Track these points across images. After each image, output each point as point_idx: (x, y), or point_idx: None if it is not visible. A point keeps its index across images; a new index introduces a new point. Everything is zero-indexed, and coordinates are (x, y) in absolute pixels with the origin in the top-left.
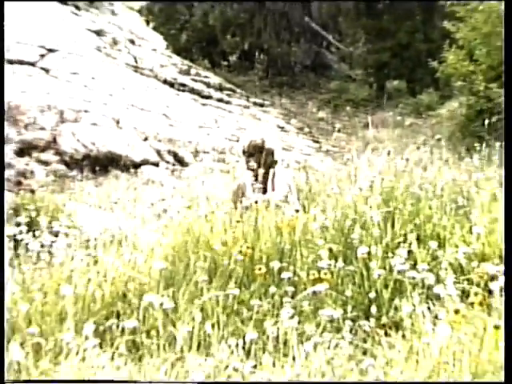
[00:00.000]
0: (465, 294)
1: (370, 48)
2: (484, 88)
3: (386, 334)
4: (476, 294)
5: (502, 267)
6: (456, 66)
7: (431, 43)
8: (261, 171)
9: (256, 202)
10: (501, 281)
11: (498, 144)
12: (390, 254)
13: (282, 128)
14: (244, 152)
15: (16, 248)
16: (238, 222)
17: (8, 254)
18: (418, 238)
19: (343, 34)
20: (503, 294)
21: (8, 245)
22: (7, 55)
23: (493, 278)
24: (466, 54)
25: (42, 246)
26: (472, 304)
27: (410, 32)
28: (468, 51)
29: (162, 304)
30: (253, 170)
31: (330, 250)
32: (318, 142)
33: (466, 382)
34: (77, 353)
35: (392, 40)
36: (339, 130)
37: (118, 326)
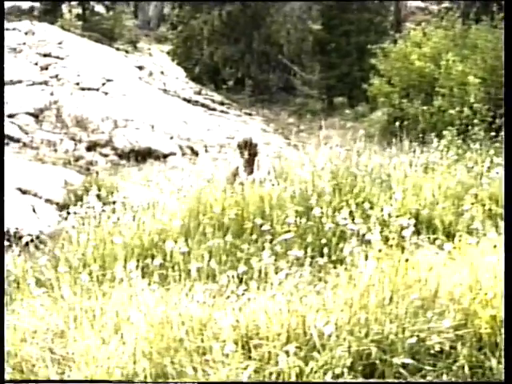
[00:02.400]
0: (386, 239)
1: (322, 75)
2: (398, 102)
3: (335, 267)
4: (393, 238)
5: (412, 220)
6: (379, 88)
7: (363, 72)
8: (249, 158)
9: (246, 180)
10: (410, 230)
11: (407, 140)
12: (336, 213)
13: (264, 130)
14: (238, 146)
15: (86, 212)
16: (232, 193)
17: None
18: (356, 202)
19: (305, 66)
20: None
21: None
22: (82, 84)
23: (404, 228)
24: (386, 79)
25: (104, 211)
26: (391, 246)
27: (349, 65)
28: (387, 78)
29: (180, 248)
30: (244, 158)
31: (296, 211)
32: (288, 139)
33: (466, 381)
34: (123, 280)
35: (337, 70)
36: (302, 131)
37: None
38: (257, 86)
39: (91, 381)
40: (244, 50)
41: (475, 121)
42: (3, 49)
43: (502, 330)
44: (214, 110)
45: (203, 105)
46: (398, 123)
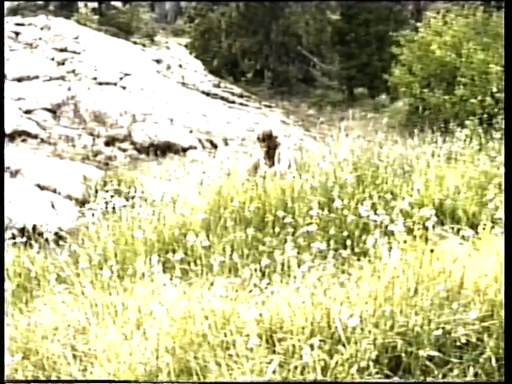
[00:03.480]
0: (410, 230)
1: (342, 66)
2: (419, 92)
3: (358, 260)
4: (418, 229)
5: (433, 211)
6: (400, 78)
7: (384, 62)
8: (270, 150)
9: (267, 172)
10: (433, 220)
11: (429, 130)
12: (359, 205)
13: (284, 122)
14: (258, 138)
15: (106, 207)
16: (253, 186)
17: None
18: (378, 193)
19: (324, 56)
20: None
21: (100, 206)
22: (99, 79)
23: (428, 218)
24: (407, 69)
25: (124, 206)
26: (415, 237)
27: (369, 55)
28: (408, 67)
29: (201, 242)
30: (264, 150)
31: (319, 202)
32: (308, 130)
33: (466, 381)
34: (145, 275)
35: (357, 61)
36: (322, 123)
37: (173, 258)
38: (276, 77)
39: (91, 381)
40: (262, 41)
41: (497, 110)
42: (3, 49)
43: None
44: (233, 102)
45: (222, 98)
46: (419, 113)
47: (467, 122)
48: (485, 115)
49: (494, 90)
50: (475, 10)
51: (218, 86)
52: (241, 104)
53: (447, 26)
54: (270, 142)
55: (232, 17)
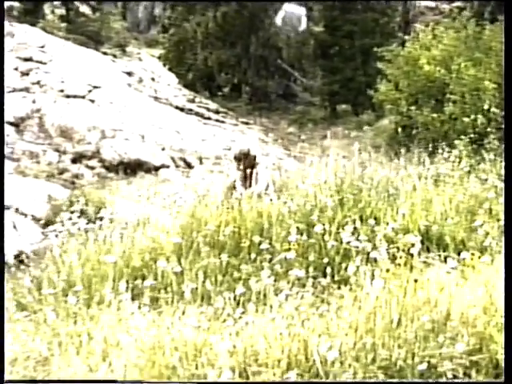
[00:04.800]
0: (394, 257)
1: (325, 81)
2: (406, 110)
3: (339, 288)
4: (401, 257)
5: (419, 238)
6: (386, 94)
7: (369, 77)
8: (247, 171)
9: (243, 194)
10: (418, 247)
11: (416, 150)
12: (340, 230)
13: (262, 140)
14: (235, 157)
15: (72, 229)
16: (228, 208)
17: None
18: (361, 218)
19: (306, 71)
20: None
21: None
22: (67, 91)
23: (413, 245)
24: (393, 85)
25: (92, 227)
26: (399, 264)
27: (353, 69)
28: (394, 83)
29: (172, 268)
30: (241, 170)
31: (298, 227)
32: (288, 149)
33: (466, 382)
34: (112, 303)
35: (341, 75)
36: (303, 141)
37: (142, 285)
38: (254, 92)
39: (92, 381)
40: (240, 54)
41: (489, 129)
42: (3, 49)
43: None
44: (208, 118)
45: (197, 113)
46: (406, 132)
47: (457, 142)
48: (476, 135)
49: (486, 107)
50: (467, 22)
51: (192, 100)
52: (217, 120)
53: (436, 40)
54: (247, 162)
55: (208, 27)
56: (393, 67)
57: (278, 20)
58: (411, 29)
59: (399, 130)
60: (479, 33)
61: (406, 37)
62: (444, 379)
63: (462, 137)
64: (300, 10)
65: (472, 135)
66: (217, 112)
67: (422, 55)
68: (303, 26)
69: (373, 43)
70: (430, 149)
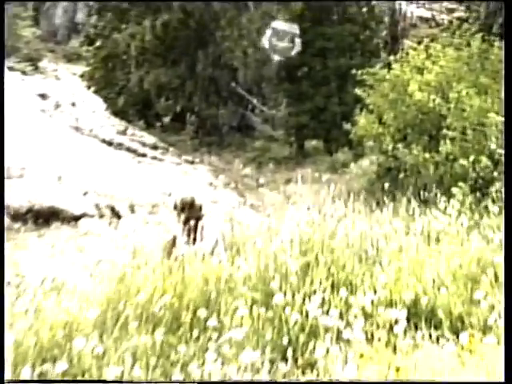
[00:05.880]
0: (371, 337)
1: (290, 111)
2: (392, 148)
3: (303, 374)
4: (379, 339)
5: (404, 312)
6: (367, 128)
7: (345, 106)
8: (191, 223)
9: (185, 253)
10: (403, 324)
11: (404, 199)
12: (306, 301)
13: (211, 183)
14: (176, 207)
15: None
16: (166, 272)
17: None
18: (332, 286)
19: (266, 97)
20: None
21: None
22: None
23: (396, 321)
24: (376, 117)
25: None
26: (378, 346)
27: (326, 96)
28: (377, 115)
29: (93, 348)
30: (183, 223)
31: (252, 297)
32: (243, 196)
33: (466, 382)
34: None
35: (310, 103)
36: (262, 186)
37: (53, 369)
38: (202, 123)
39: (91, 381)
40: (185, 74)
41: (496, 174)
42: (3, 50)
43: None
44: (143, 155)
45: (129, 149)
46: (391, 176)
47: (455, 190)
48: (478, 181)
49: (493, 147)
50: (470, 38)
51: (123, 132)
52: (154, 158)
53: (431, 61)
54: (191, 212)
55: (145, 40)
56: (375, 94)
57: (265, 41)
58: (400, 46)
59: (383, 173)
60: (485, 51)
61: (393, 56)
62: None
63: (462, 183)
64: (292, 28)
65: (474, 181)
66: (154, 147)
67: (412, 80)
68: (297, 48)
69: (351, 64)
70: (422, 198)
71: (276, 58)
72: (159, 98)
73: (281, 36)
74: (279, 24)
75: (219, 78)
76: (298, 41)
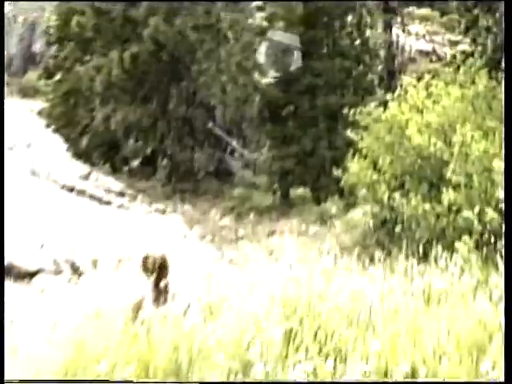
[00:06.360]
0: None
1: (274, 154)
2: (388, 197)
3: None
4: None
5: None
6: (359, 175)
7: (335, 150)
8: (161, 283)
9: (152, 316)
10: None
11: (401, 255)
12: (289, 371)
13: (185, 236)
14: (144, 263)
15: None
16: (132, 338)
17: None
18: (319, 354)
19: (247, 139)
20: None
21: None
22: None
23: None
24: (370, 162)
25: None
26: None
27: (314, 139)
28: (371, 160)
29: None
30: (153, 282)
31: (229, 367)
32: (220, 250)
33: (466, 382)
34: None
35: (296, 146)
36: (242, 238)
37: None
38: (175, 168)
39: (91, 381)
40: (156, 113)
41: (505, 227)
42: (3, 49)
43: None
44: (108, 203)
45: (93, 196)
46: (386, 228)
47: (458, 245)
48: (485, 234)
49: (501, 196)
50: (476, 74)
51: (86, 177)
52: (120, 206)
53: (432, 100)
54: (161, 271)
55: (112, 74)
56: (370, 137)
57: (260, 55)
58: (397, 83)
59: (377, 225)
60: (493, 90)
61: (390, 94)
62: None
63: (466, 237)
64: (292, 39)
65: (480, 235)
66: (121, 195)
67: (411, 121)
68: (297, 62)
69: (342, 102)
70: (421, 253)
71: (272, 74)
72: (127, 138)
73: (279, 49)
74: (277, 35)
75: (194, 117)
76: (298, 54)
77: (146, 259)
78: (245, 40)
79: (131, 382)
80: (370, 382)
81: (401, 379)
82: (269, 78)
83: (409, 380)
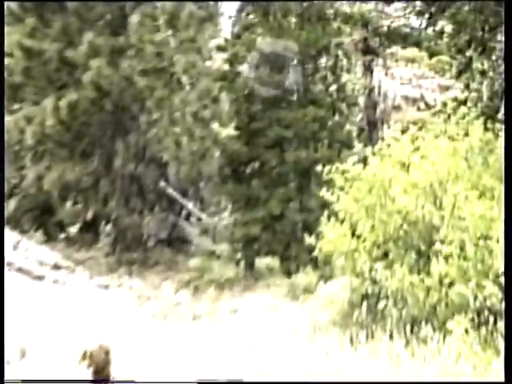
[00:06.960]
0: None
1: (236, 219)
2: (369, 269)
3: None
4: None
5: None
6: (336, 243)
7: (308, 214)
8: (102, 375)
9: None
10: None
11: (385, 338)
12: None
13: (131, 315)
14: (85, 355)
15: None
16: None
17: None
18: None
19: (205, 201)
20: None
21: None
22: None
23: None
24: (348, 228)
25: None
26: None
27: (283, 200)
28: (350, 225)
29: None
30: (92, 377)
31: None
32: (175, 333)
33: (466, 382)
34: None
35: (262, 209)
36: (200, 317)
37: None
38: (121, 235)
39: (91, 381)
40: (99, 171)
41: (505, 304)
42: (3, 49)
43: None
44: (40, 278)
45: (21, 269)
46: (368, 305)
47: (450, 326)
48: (483, 313)
49: (501, 268)
50: (469, 125)
51: (14, 247)
52: (55, 282)
53: (419, 155)
54: (102, 364)
55: (45, 125)
56: (347, 198)
57: (247, 68)
58: (379, 135)
59: (357, 300)
60: (489, 143)
61: (370, 148)
62: None
63: (461, 316)
64: (287, 49)
65: (477, 313)
66: (56, 267)
67: (395, 179)
68: (293, 77)
69: (315, 158)
70: (408, 333)
71: (263, 92)
72: (64, 201)
73: (270, 61)
74: (268, 44)
75: (144, 175)
76: (294, 66)
77: (84, 354)
78: (202, 86)
79: (131, 382)
80: (368, 382)
81: None
82: (230, 129)
83: (409, 380)
